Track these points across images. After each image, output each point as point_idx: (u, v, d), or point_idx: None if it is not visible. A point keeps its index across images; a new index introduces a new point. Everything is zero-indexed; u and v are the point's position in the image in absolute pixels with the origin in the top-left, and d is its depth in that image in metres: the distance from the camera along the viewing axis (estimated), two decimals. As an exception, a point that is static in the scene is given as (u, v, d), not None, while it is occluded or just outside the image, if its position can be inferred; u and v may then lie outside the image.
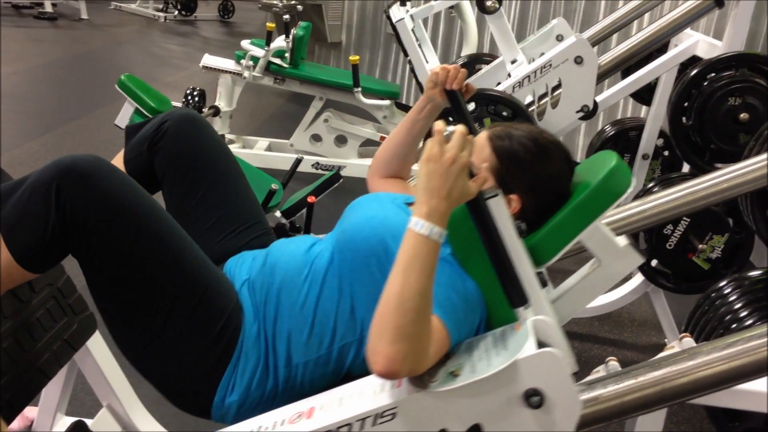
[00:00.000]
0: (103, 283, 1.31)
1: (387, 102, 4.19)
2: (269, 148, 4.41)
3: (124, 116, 2.71)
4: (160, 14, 9.56)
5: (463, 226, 1.23)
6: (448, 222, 1.15)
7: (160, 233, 1.31)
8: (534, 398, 1.09)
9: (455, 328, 1.19)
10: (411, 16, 3.07)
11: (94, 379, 1.78)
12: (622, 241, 1.33)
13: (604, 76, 2.89)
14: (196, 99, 3.89)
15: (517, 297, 1.20)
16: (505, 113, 2.46)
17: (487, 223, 1.20)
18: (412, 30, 3.05)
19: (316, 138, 4.31)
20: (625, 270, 1.34)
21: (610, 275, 1.34)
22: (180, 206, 1.55)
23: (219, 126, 4.34)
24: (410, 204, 1.42)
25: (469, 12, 4.12)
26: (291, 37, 4.15)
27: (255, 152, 4.27)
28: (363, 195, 1.51)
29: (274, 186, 2.77)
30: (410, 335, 1.08)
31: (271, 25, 4.16)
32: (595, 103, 2.63)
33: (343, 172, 3.24)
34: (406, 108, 4.48)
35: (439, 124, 1.17)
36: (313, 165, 4.11)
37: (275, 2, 5.46)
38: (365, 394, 1.16)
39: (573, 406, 1.11)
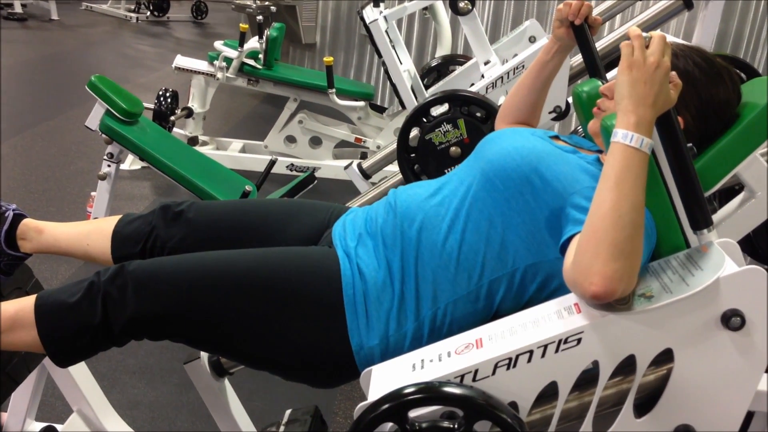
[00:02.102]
0: (202, 341, 1.33)
1: (361, 103, 4.19)
2: (243, 150, 4.39)
3: (95, 118, 2.68)
4: (132, 15, 9.46)
5: None
6: None
7: (219, 274, 1.29)
8: (734, 319, 1.03)
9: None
10: (384, 17, 3.06)
11: (64, 384, 1.76)
12: None
13: (576, 77, 2.91)
14: (169, 100, 3.86)
15: (703, 218, 1.15)
16: (478, 114, 2.47)
17: (676, 137, 1.14)
18: (386, 31, 3.05)
19: (291, 139, 4.30)
20: None
21: (765, 208, 1.30)
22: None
23: (192, 127, 4.32)
24: (554, 137, 1.38)
25: (443, 13, 4.13)
26: (264, 38, 4.13)
27: (229, 154, 4.25)
28: (493, 132, 1.46)
29: (248, 188, 2.76)
30: (628, 252, 1.04)
31: (244, 26, 4.14)
32: (568, 104, 2.65)
33: (317, 174, 3.23)
34: (380, 109, 4.48)
35: (635, 30, 1.12)
36: (287, 166, 4.10)
37: (249, 3, 5.43)
38: (540, 323, 1.10)
39: None
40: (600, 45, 2.90)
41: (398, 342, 1.26)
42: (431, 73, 3.78)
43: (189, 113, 4.22)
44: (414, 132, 2.19)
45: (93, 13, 9.74)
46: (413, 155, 2.17)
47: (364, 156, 4.09)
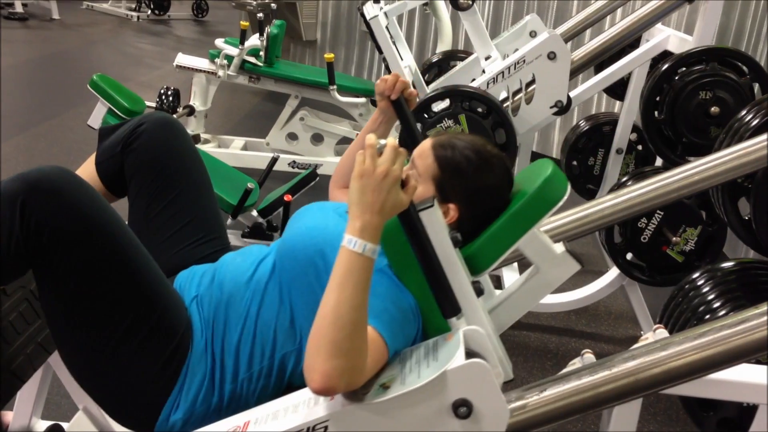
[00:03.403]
0: (61, 297, 1.28)
1: (363, 100, 4.19)
2: (245, 147, 4.39)
3: (97, 117, 2.68)
4: (133, 13, 9.46)
5: (397, 238, 1.23)
6: (382, 234, 1.16)
7: (124, 250, 1.30)
8: (462, 409, 1.10)
9: (393, 339, 1.20)
10: (385, 13, 3.06)
11: (70, 382, 1.76)
12: (560, 248, 1.36)
13: (577, 71, 2.91)
14: (171, 99, 3.86)
15: (450, 307, 1.22)
16: (479, 109, 2.47)
17: (418, 234, 1.20)
18: (386, 27, 3.05)
19: (292, 136, 4.30)
20: (563, 276, 1.36)
21: (549, 282, 1.36)
22: (144, 212, 1.55)
23: (194, 125, 4.32)
24: None
25: (443, 9, 4.13)
26: (265, 35, 4.13)
27: (231, 151, 4.25)
28: (309, 204, 1.52)
29: (250, 185, 2.77)
30: (346, 351, 1.08)
31: (245, 23, 4.14)
32: (569, 99, 2.65)
33: (319, 171, 3.23)
34: (381, 105, 4.48)
35: (370, 138, 1.17)
36: (289, 164, 4.10)
37: (249, 1, 5.43)
38: (299, 408, 1.18)
39: (501, 416, 1.12)
40: (600, 40, 2.91)
41: (201, 415, 1.30)
42: (432, 69, 3.77)
43: (191, 111, 4.22)
44: (415, 128, 2.19)
45: (94, 12, 9.74)
46: (415, 151, 2.17)
47: (365, 152, 4.09)
